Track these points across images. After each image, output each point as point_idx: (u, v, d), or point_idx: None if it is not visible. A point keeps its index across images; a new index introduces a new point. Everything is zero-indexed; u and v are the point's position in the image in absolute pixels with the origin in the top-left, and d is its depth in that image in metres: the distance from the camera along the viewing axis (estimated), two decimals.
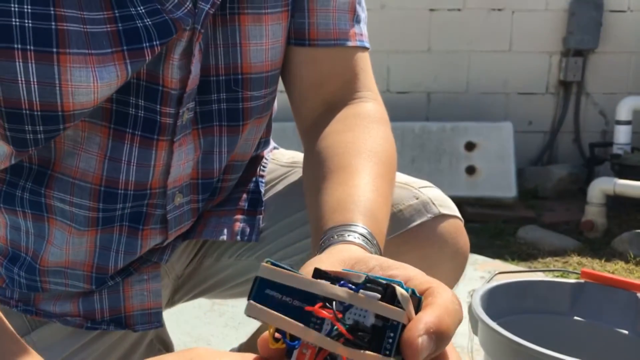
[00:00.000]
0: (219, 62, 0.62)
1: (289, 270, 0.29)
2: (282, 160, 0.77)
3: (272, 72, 0.65)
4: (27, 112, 0.52)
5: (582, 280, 1.03)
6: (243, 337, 1.05)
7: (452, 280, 0.68)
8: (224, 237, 0.69)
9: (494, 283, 1.02)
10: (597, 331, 0.99)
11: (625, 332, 0.97)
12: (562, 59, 3.05)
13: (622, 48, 3.03)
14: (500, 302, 0.97)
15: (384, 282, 0.29)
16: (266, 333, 0.29)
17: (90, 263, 0.65)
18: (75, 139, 0.58)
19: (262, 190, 0.73)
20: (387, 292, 0.28)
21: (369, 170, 0.55)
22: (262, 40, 0.62)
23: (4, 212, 0.63)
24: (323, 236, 0.47)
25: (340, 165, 0.55)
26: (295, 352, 0.28)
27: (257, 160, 0.75)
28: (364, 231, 0.47)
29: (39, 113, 0.52)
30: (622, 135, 2.86)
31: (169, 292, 0.76)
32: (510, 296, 1.02)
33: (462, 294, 1.65)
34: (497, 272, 1.09)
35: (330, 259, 0.40)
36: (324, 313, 0.27)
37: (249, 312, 0.28)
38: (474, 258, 2.11)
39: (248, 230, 0.70)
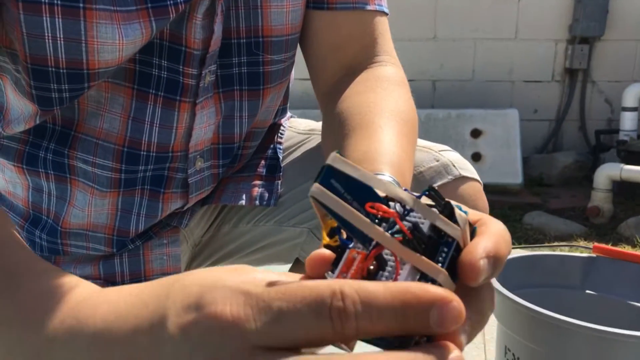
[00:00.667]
0: (240, 24, 0.62)
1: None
2: (299, 127, 0.77)
3: (292, 35, 0.65)
4: (53, 69, 0.53)
5: (593, 255, 1.04)
6: None
7: None
8: (243, 202, 0.70)
9: None
10: (608, 304, 1.00)
11: (637, 304, 0.98)
12: (568, 46, 3.05)
13: (628, 35, 3.02)
14: (512, 275, 0.98)
15: (444, 199, 0.28)
16: (315, 252, 0.28)
17: (111, 226, 0.65)
18: (99, 100, 0.59)
19: (280, 156, 0.73)
20: (446, 207, 0.27)
21: (392, 128, 0.55)
22: (283, 2, 0.62)
23: (26, 174, 0.63)
24: None
25: (362, 123, 0.55)
26: (346, 254, 0.27)
27: (275, 128, 0.76)
28: (389, 179, 0.47)
29: (64, 71, 0.53)
30: (628, 121, 2.86)
31: (187, 259, 0.77)
32: (522, 270, 1.02)
33: None
34: None
35: None
36: (388, 210, 0.27)
37: (316, 195, 0.26)
38: None
39: (266, 195, 0.71)
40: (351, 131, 0.55)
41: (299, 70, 0.72)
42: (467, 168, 0.66)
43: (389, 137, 0.53)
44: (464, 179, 0.65)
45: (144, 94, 0.59)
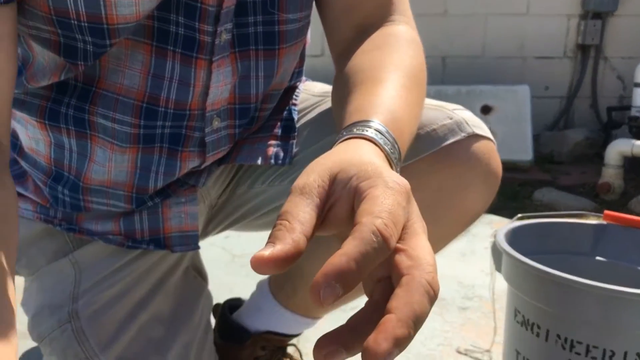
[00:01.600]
0: None
1: None
2: (314, 90, 0.78)
3: None
4: (75, 22, 0.54)
5: (604, 222, 1.04)
6: None
7: (483, 202, 0.70)
8: (258, 162, 0.71)
9: (517, 223, 1.04)
10: (618, 270, 1.01)
11: None
12: (581, 22, 3.01)
13: None
14: (523, 242, 0.99)
15: None
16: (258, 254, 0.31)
17: (130, 183, 0.67)
18: (119, 57, 0.60)
19: (295, 117, 0.74)
20: None
21: (393, 81, 0.54)
22: None
23: (48, 130, 0.65)
24: (337, 136, 0.47)
25: (364, 78, 0.55)
26: None
27: (290, 90, 0.77)
28: (378, 126, 0.46)
29: (85, 24, 0.54)
30: None
31: (203, 220, 0.79)
32: (533, 236, 1.03)
33: (479, 250, 1.67)
34: (518, 215, 1.10)
35: (326, 161, 0.39)
36: None
37: None
38: (489, 218, 2.11)
39: (281, 154, 0.72)
40: (352, 88, 0.55)
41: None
42: (480, 127, 0.67)
43: (388, 89, 0.52)
44: (478, 137, 0.65)
45: (163, 51, 0.60)
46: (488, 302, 1.32)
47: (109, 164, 0.65)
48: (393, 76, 0.54)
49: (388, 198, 0.35)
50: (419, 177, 0.63)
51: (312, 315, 0.80)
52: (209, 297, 0.81)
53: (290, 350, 0.86)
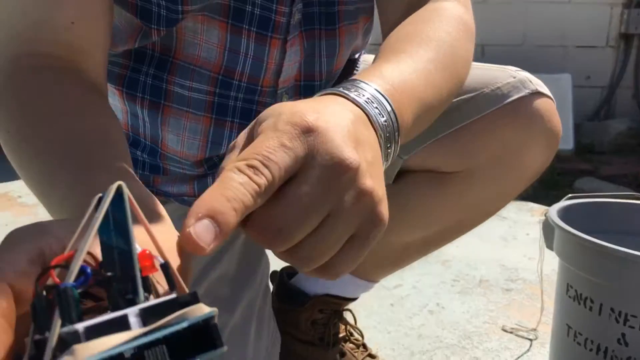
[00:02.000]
0: None
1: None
2: (370, 61, 0.80)
3: None
4: None
5: None
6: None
7: (544, 159, 0.71)
8: None
9: (568, 202, 1.04)
10: None
11: None
12: (624, 10, 2.94)
13: None
14: (574, 220, 0.99)
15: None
16: None
17: (202, 156, 0.69)
18: (195, 30, 0.62)
19: None
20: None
21: (418, 53, 0.51)
22: None
23: (125, 99, 0.68)
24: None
25: (386, 49, 0.53)
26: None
27: (351, 63, 0.79)
28: (368, 87, 0.42)
29: None
30: None
31: None
32: (584, 215, 1.03)
33: (520, 236, 1.66)
34: (568, 195, 1.10)
35: (282, 105, 0.37)
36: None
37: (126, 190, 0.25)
38: (529, 205, 2.11)
39: None
40: (374, 60, 0.53)
41: None
42: (542, 86, 0.68)
43: (406, 60, 0.50)
44: (540, 94, 0.67)
45: (238, 29, 0.63)
46: (532, 284, 1.33)
47: (183, 134, 0.68)
48: (419, 49, 0.52)
49: (264, 141, 0.33)
50: (483, 134, 0.65)
51: (370, 278, 0.82)
52: (267, 260, 0.84)
53: (346, 315, 0.88)
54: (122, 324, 0.22)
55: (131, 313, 0.23)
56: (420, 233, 0.75)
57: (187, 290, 0.26)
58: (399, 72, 0.46)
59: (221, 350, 0.24)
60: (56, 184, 0.42)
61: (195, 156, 0.69)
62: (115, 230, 0.25)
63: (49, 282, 0.24)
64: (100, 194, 0.25)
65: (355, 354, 0.84)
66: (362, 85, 0.42)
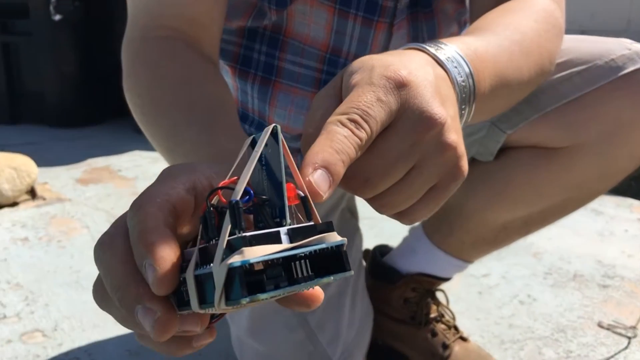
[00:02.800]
0: None
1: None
2: None
3: None
4: None
5: None
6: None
7: None
8: None
9: None
10: None
11: None
12: None
13: None
14: None
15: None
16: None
17: None
18: (304, 12, 0.65)
19: None
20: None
21: (503, 34, 0.50)
22: None
23: (237, 76, 0.71)
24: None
25: (473, 29, 0.53)
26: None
27: None
28: (449, 48, 0.43)
29: None
30: None
31: None
32: None
33: (618, 232, 1.58)
34: None
35: (372, 58, 0.38)
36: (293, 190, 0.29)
37: (280, 129, 0.30)
38: (629, 202, 1.99)
39: None
40: None
41: None
42: None
43: (488, 35, 0.49)
44: None
45: (345, 13, 0.64)
46: (631, 282, 1.26)
47: (290, 108, 0.70)
48: (503, 30, 0.51)
49: (362, 95, 0.34)
50: (594, 108, 0.63)
51: (465, 257, 0.81)
52: (361, 236, 0.85)
53: (438, 295, 0.87)
54: (275, 238, 0.26)
55: (282, 231, 0.27)
56: (522, 211, 0.73)
57: (320, 221, 0.29)
58: (481, 43, 0.47)
59: (349, 273, 0.28)
60: (181, 141, 0.46)
61: (301, 130, 0.71)
62: (266, 166, 0.29)
63: (215, 201, 0.28)
64: (253, 135, 0.29)
65: (447, 335, 0.83)
66: (443, 45, 0.43)
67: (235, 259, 0.24)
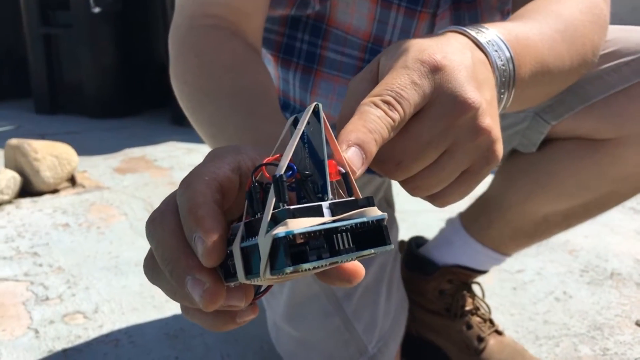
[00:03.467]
0: None
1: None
2: None
3: None
4: None
5: None
6: None
7: None
8: None
9: None
10: None
11: None
12: None
13: None
14: None
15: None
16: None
17: None
18: (347, 1, 0.65)
19: None
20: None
21: (545, 22, 0.50)
22: None
23: (279, 65, 0.72)
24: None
25: (514, 17, 0.52)
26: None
27: None
28: (490, 32, 0.42)
29: None
30: None
31: None
32: None
33: None
34: None
35: (408, 42, 0.38)
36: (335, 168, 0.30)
37: (322, 107, 0.30)
38: None
39: None
40: None
41: None
42: None
43: (529, 22, 0.49)
44: None
45: (388, 3, 0.65)
46: None
47: (331, 96, 0.71)
48: (545, 18, 0.50)
49: (396, 78, 0.34)
50: None
51: (503, 250, 0.81)
52: (397, 227, 0.85)
53: (474, 287, 0.87)
54: (317, 212, 0.27)
55: (324, 205, 0.28)
56: (565, 204, 0.72)
57: (360, 196, 0.30)
58: (523, 28, 0.47)
59: (390, 247, 0.29)
60: (226, 127, 0.47)
61: None
62: (308, 144, 0.30)
63: (259, 178, 0.29)
64: (295, 115, 0.30)
65: (482, 328, 0.83)
66: (484, 28, 0.43)
67: (280, 230, 0.26)
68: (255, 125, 0.45)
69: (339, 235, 0.28)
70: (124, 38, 2.74)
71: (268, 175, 0.29)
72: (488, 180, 0.84)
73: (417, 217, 1.51)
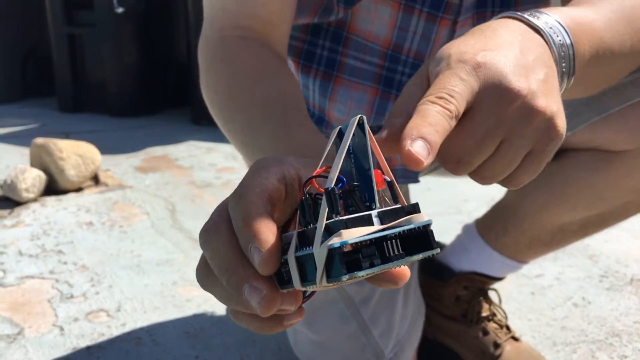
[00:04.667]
0: None
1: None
2: None
3: None
4: None
5: None
6: None
7: None
8: None
9: None
10: None
11: None
12: None
13: None
14: None
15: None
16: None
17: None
18: (369, 8, 0.66)
19: None
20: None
21: (600, 3, 0.49)
22: None
23: (299, 71, 0.73)
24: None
25: (567, 2, 0.52)
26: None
27: None
28: (547, 17, 0.43)
29: None
30: None
31: None
32: None
33: None
34: None
35: (451, 46, 0.39)
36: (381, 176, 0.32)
37: (365, 119, 0.31)
38: None
39: None
40: None
41: None
42: None
43: (583, 5, 0.49)
44: None
45: (410, 9, 0.65)
46: None
47: (349, 102, 0.72)
48: (599, 1, 0.50)
49: (444, 79, 0.36)
50: None
51: (519, 258, 0.81)
52: None
53: (491, 294, 0.88)
54: (367, 221, 0.29)
55: (373, 214, 0.29)
56: (581, 214, 0.72)
57: (405, 203, 0.32)
58: (577, 10, 0.47)
59: (436, 251, 0.31)
60: (258, 136, 0.48)
61: None
62: (353, 154, 0.31)
63: (309, 189, 0.31)
64: (339, 127, 0.32)
65: (499, 334, 0.83)
66: (537, 12, 0.44)
67: (335, 241, 0.27)
68: (287, 133, 0.47)
69: (389, 242, 0.29)
70: (146, 38, 2.78)
71: (318, 187, 0.30)
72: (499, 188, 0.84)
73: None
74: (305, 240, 0.29)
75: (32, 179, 1.58)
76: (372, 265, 0.28)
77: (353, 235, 0.27)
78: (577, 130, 0.68)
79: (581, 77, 0.45)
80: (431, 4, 0.65)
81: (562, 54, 0.42)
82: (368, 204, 0.31)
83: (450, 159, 0.37)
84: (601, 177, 0.68)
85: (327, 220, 0.28)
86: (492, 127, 0.36)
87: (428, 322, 0.85)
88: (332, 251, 0.27)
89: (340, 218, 0.28)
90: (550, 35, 0.42)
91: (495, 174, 0.38)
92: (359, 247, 0.28)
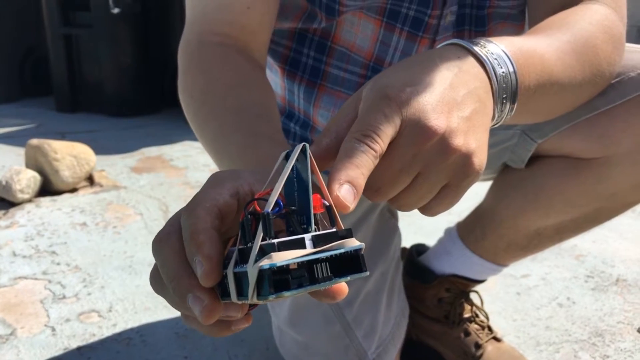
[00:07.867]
0: None
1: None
2: None
3: None
4: None
5: None
6: None
7: None
8: None
9: None
10: None
11: None
12: None
13: None
14: None
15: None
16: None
17: None
18: (353, 22, 0.68)
19: None
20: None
21: (554, 35, 0.51)
22: None
23: (285, 77, 0.75)
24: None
25: (525, 32, 0.54)
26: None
27: None
28: (490, 44, 0.44)
29: None
30: None
31: None
32: None
33: None
34: None
35: (380, 79, 0.41)
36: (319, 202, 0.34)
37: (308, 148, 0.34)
38: None
39: None
40: None
41: None
42: None
43: (538, 35, 0.50)
44: None
45: (392, 27, 0.67)
46: None
47: (333, 110, 0.74)
48: (555, 32, 0.51)
49: (371, 115, 0.38)
50: (626, 119, 0.63)
51: (498, 261, 0.83)
52: (399, 236, 0.88)
53: (472, 296, 0.89)
54: (300, 244, 0.31)
55: (307, 237, 0.32)
56: (554, 219, 0.74)
57: (342, 227, 0.34)
58: (527, 41, 0.48)
59: (365, 274, 0.33)
60: (228, 144, 0.50)
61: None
62: (297, 178, 0.33)
63: (251, 209, 0.33)
64: (286, 151, 0.34)
65: (480, 335, 0.85)
66: (483, 40, 0.45)
67: (265, 262, 0.29)
68: (257, 143, 0.48)
69: (319, 265, 0.31)
70: (143, 38, 2.79)
71: (259, 209, 0.32)
72: (485, 190, 0.86)
73: (423, 221, 1.53)
74: (245, 257, 0.31)
75: (26, 180, 1.60)
76: (300, 286, 0.30)
77: (282, 258, 0.30)
78: (547, 138, 0.70)
79: (525, 106, 0.46)
80: (412, 24, 0.67)
81: (504, 85, 0.44)
82: (305, 226, 0.33)
83: (369, 187, 0.39)
84: (570, 184, 0.69)
85: (262, 241, 0.30)
86: (409, 162, 0.38)
87: (412, 322, 0.87)
88: (262, 272, 0.29)
89: (273, 241, 0.30)
90: (493, 66, 0.43)
91: (411, 203, 0.40)
92: (289, 268, 0.30)
